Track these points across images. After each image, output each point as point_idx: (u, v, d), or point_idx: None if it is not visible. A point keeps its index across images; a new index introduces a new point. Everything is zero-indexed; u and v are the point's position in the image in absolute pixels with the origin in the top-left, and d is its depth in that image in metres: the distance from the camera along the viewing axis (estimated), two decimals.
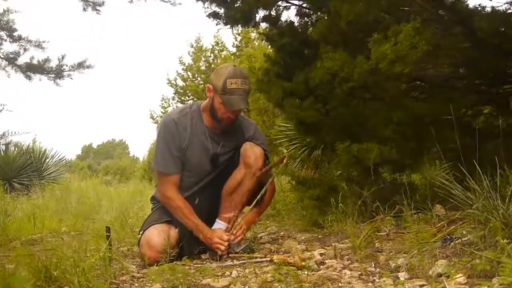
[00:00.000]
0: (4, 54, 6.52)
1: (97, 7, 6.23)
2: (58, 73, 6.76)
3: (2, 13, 6.38)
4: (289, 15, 2.94)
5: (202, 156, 2.21)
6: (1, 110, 6.60)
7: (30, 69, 6.64)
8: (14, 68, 6.61)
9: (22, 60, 6.67)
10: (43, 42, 6.65)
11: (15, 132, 6.74)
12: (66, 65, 6.80)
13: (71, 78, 6.81)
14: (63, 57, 6.80)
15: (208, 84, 2.22)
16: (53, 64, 6.75)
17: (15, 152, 8.21)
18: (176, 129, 2.17)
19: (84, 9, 6.20)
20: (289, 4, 2.90)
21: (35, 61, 6.68)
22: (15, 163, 7.85)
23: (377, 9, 2.14)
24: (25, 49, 6.56)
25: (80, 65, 6.82)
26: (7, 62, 6.55)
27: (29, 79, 6.70)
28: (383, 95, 2.33)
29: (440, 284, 1.30)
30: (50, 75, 6.74)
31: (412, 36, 1.87)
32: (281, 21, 2.88)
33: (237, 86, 2.09)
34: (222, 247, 2.07)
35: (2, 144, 6.98)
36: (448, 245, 1.63)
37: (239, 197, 2.21)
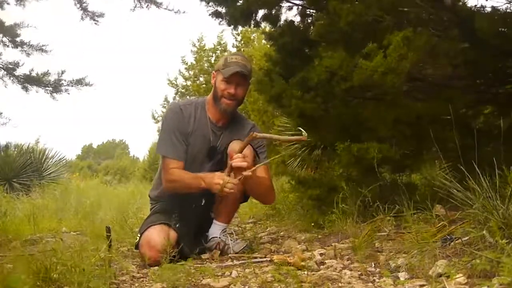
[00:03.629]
0: (3, 64, 6.52)
1: (96, 18, 6.21)
2: (55, 87, 6.77)
3: (11, 25, 6.36)
4: (290, 14, 2.95)
5: (202, 147, 2.24)
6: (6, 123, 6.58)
7: (28, 81, 6.64)
8: (11, 78, 6.60)
9: (21, 71, 6.66)
10: (46, 45, 6.62)
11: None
12: (65, 80, 6.80)
13: (68, 93, 6.82)
14: (62, 72, 6.81)
15: (213, 72, 2.31)
16: (52, 78, 6.75)
17: (15, 152, 8.20)
18: (182, 115, 2.24)
19: (82, 18, 6.19)
20: (292, 4, 2.91)
21: (34, 74, 6.67)
22: (15, 163, 7.84)
23: (376, 9, 2.14)
24: (28, 54, 6.54)
25: (79, 82, 6.82)
26: (5, 72, 6.54)
27: (26, 91, 6.69)
28: (382, 95, 2.33)
29: (440, 284, 1.30)
30: (47, 88, 6.74)
31: (401, 47, 1.89)
32: (281, 20, 2.89)
33: (237, 60, 2.20)
34: (230, 186, 2.01)
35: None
36: (448, 245, 1.63)
37: (234, 197, 2.21)
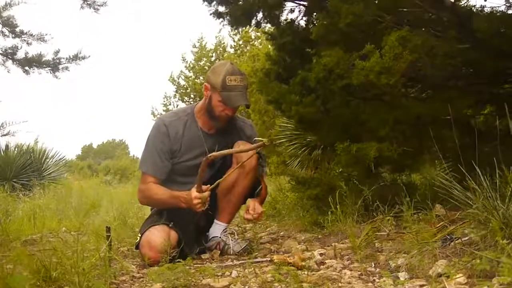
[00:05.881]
0: (3, 50, 6.57)
1: (96, 6, 6.24)
2: (54, 66, 6.85)
3: (3, 6, 6.40)
4: (292, 15, 2.96)
5: (200, 158, 2.17)
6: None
7: (27, 63, 6.70)
8: (14, 63, 6.67)
9: (19, 55, 6.75)
10: (45, 35, 6.70)
11: (12, 122, 6.74)
12: (62, 58, 6.89)
13: (68, 70, 6.92)
14: (58, 51, 6.91)
15: (205, 83, 2.23)
16: (49, 58, 6.87)
17: (15, 152, 8.20)
18: (166, 132, 2.20)
19: (82, 7, 6.22)
20: (294, 5, 2.91)
21: (30, 56, 6.75)
22: (15, 163, 7.84)
23: (376, 9, 2.14)
24: (28, 43, 6.61)
25: (75, 57, 6.91)
26: (5, 57, 6.60)
27: (27, 74, 6.77)
28: (382, 95, 2.33)
29: (440, 284, 1.30)
30: (47, 68, 6.82)
31: (396, 46, 1.89)
32: (282, 21, 2.89)
33: (236, 83, 2.13)
34: (198, 203, 2.01)
35: (1, 136, 6.98)
36: (448, 245, 1.63)
37: (235, 198, 2.22)
